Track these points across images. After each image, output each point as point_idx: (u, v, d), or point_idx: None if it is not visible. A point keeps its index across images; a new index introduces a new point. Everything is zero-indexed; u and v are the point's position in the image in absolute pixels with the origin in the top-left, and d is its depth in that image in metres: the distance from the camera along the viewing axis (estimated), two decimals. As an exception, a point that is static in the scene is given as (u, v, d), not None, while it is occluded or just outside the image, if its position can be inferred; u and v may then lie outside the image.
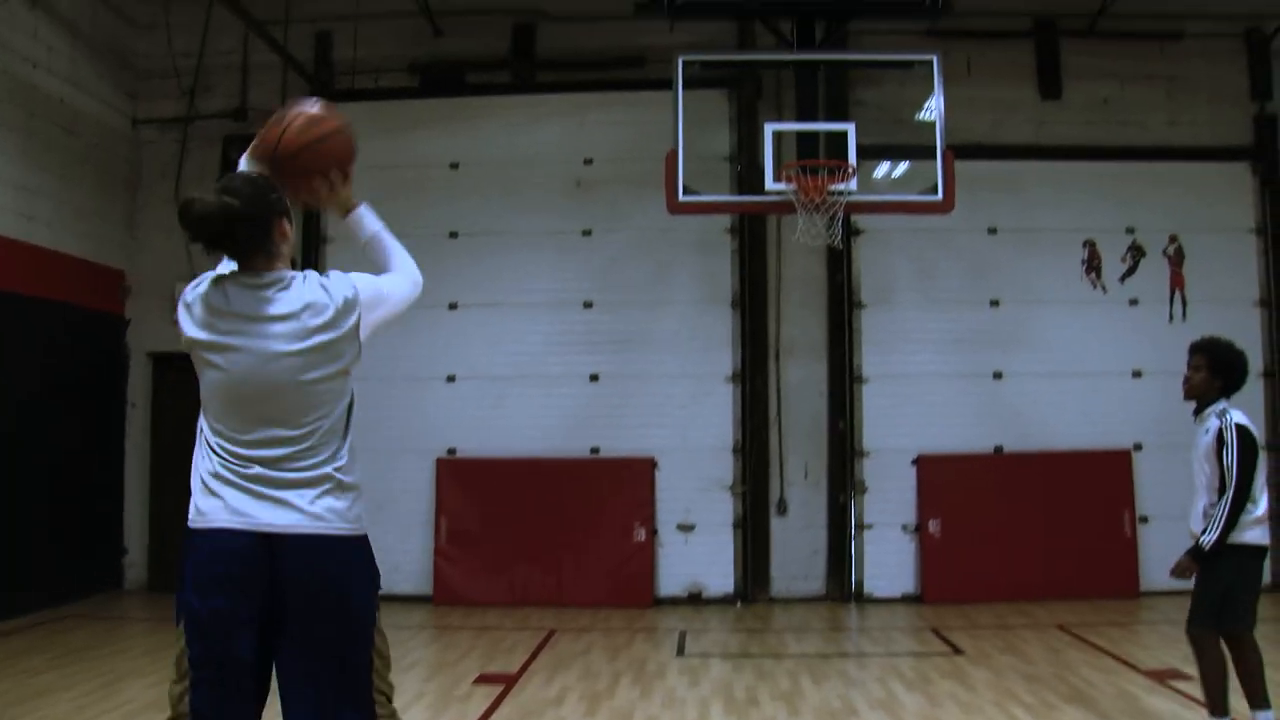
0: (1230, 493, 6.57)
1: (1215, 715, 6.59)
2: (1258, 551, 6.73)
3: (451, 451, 13.46)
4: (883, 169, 13.53)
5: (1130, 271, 13.73)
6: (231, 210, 3.76)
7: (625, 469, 13.33)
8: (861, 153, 10.86)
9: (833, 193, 10.43)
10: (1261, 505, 6.78)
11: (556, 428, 13.40)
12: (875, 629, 11.68)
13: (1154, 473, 13.35)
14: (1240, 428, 6.69)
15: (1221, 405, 6.86)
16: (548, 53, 14.08)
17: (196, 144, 14.08)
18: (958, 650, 10.30)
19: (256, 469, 3.78)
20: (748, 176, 13.09)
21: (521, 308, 13.60)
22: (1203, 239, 13.76)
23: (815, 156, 10.69)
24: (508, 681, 9.00)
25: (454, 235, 13.73)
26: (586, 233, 13.71)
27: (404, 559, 13.30)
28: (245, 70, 14.09)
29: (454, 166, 13.91)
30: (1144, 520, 13.35)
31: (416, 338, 13.45)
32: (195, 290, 3.90)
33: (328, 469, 3.89)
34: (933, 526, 13.20)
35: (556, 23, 14.04)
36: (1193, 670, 8.91)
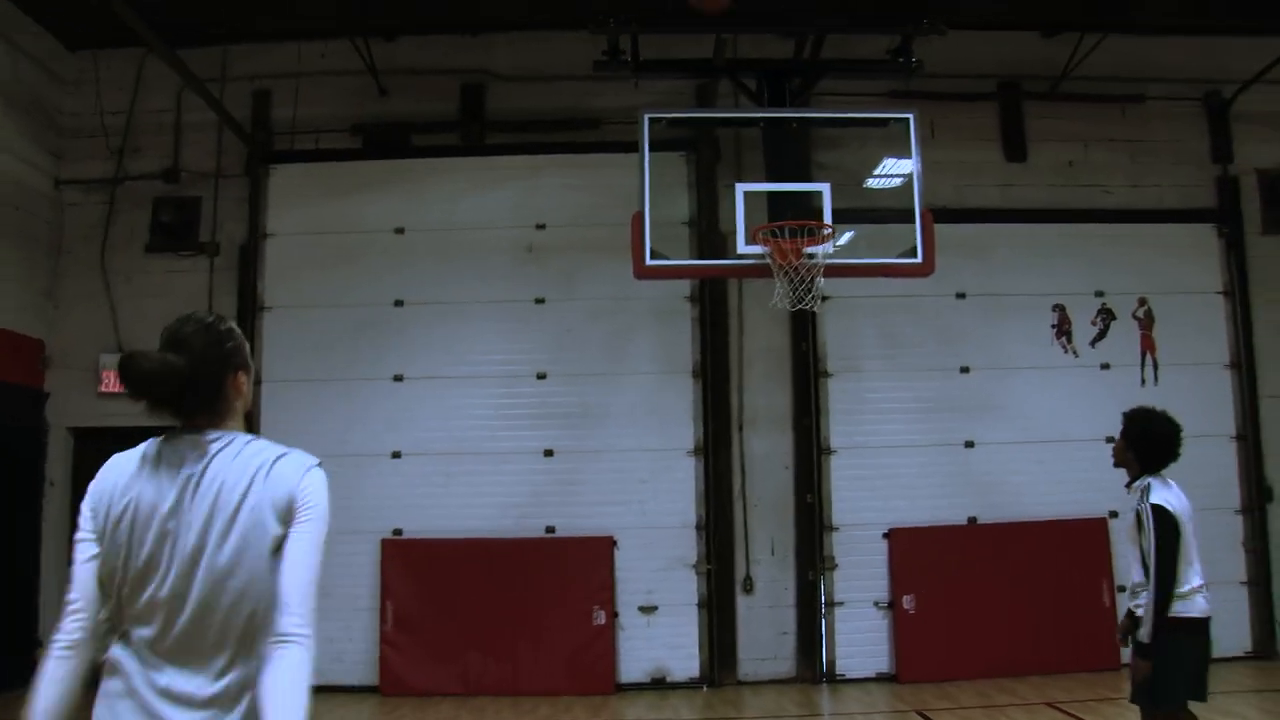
0: (1152, 581, 6.43)
1: None
2: (1187, 625, 6.51)
3: (397, 532, 12.75)
4: (849, 234, 13.06)
5: (1101, 335, 13.42)
6: (177, 370, 3.34)
7: (583, 548, 12.66)
8: (833, 216, 10.38)
9: (809, 255, 9.92)
10: (1190, 579, 6.61)
11: (509, 506, 12.73)
12: (857, 713, 11.11)
13: (1130, 541, 12.94)
14: (1156, 508, 6.49)
15: (1145, 481, 6.70)
16: (498, 113, 13.56)
17: (124, 206, 13.39)
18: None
19: None
20: (709, 241, 12.74)
21: (471, 380, 12.98)
22: (1172, 301, 13.50)
23: (785, 219, 10.18)
24: (478, 791, 8.28)
25: (399, 304, 13.14)
26: (539, 300, 13.14)
27: (347, 647, 12.55)
28: (178, 129, 13.46)
29: (399, 231, 13.32)
30: (1122, 589, 12.84)
31: (360, 412, 12.81)
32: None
33: None
34: (906, 602, 12.66)
35: (507, 82, 13.56)
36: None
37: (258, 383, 12.87)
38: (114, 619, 3.22)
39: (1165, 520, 6.51)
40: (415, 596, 12.52)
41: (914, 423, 13.11)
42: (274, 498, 3.29)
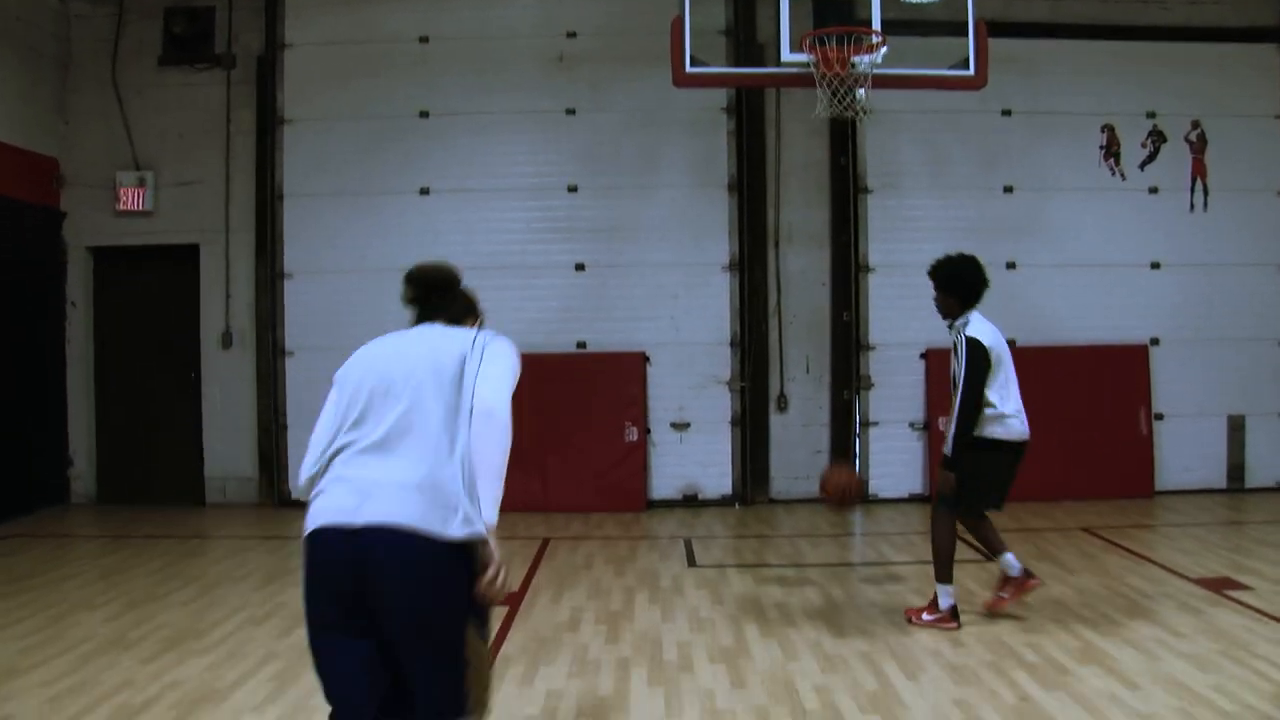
0: (956, 402, 7.28)
1: (940, 581, 7.36)
2: (1005, 446, 7.30)
3: (427, 348, 12.52)
4: (896, 45, 12.55)
5: (1150, 158, 12.95)
6: (447, 276, 4.71)
7: (614, 364, 12.47)
8: (881, 25, 9.87)
9: (854, 65, 9.46)
10: (1002, 404, 7.40)
11: (539, 321, 12.49)
12: (893, 534, 10.94)
13: (1171, 368, 12.84)
14: (970, 340, 7.30)
15: (964, 318, 7.53)
16: (528, -88, 12.92)
17: (133, 17, 12.89)
18: (988, 557, 9.57)
19: None
20: (746, 51, 12.25)
21: (499, 193, 12.62)
22: (1226, 125, 12.98)
23: (831, 26, 9.67)
24: (511, 601, 8.19)
25: (424, 115, 12.71)
26: (570, 112, 12.69)
27: (377, 464, 12.45)
28: (191, -68, 12.88)
29: (424, 40, 12.81)
30: (1159, 418, 12.77)
31: (385, 227, 12.51)
32: None
33: None
34: (942, 424, 12.40)
35: (536, -119, 12.90)
36: (1249, 580, 8.45)
37: (280, 198, 12.58)
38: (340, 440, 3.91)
39: (976, 351, 7.29)
40: (444, 412, 12.35)
41: (955, 242, 12.46)
42: (468, 347, 4.11)
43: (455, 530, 3.68)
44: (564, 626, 7.52)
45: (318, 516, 3.74)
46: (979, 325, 7.49)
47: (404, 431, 3.85)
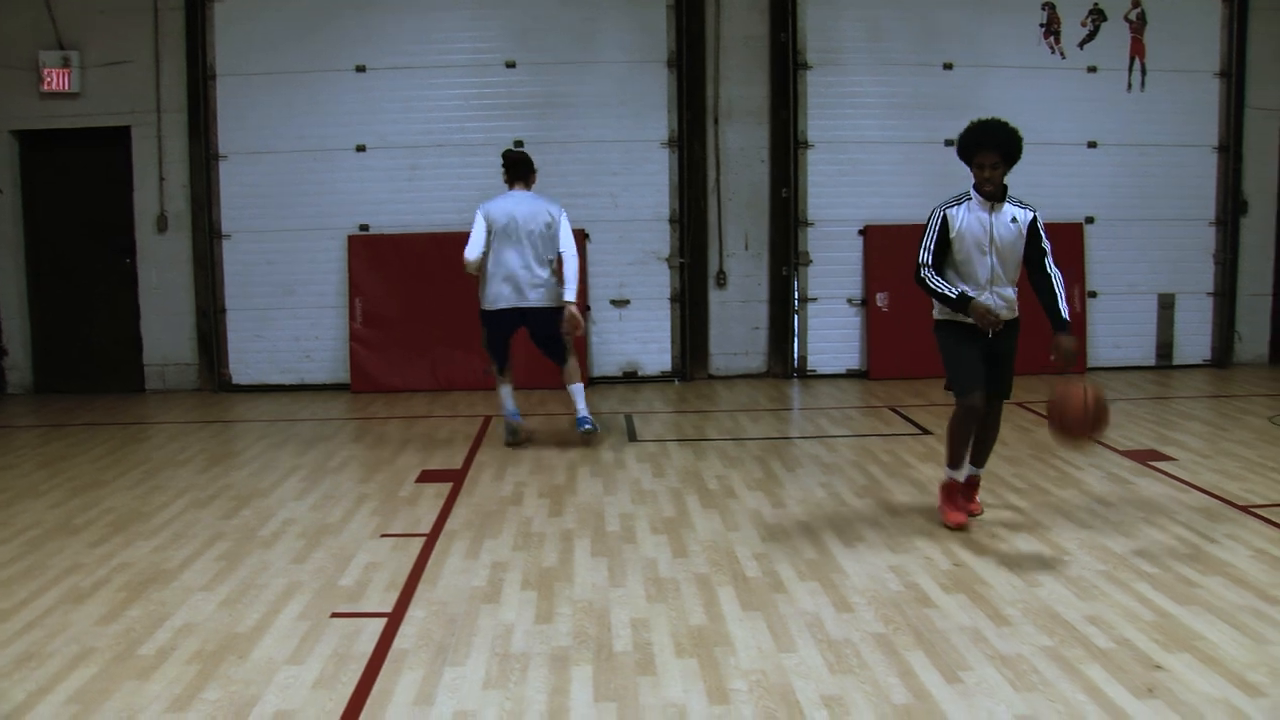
0: (1058, 276, 6.99)
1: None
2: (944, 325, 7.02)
3: (364, 228, 12.47)
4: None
5: (1090, 37, 12.97)
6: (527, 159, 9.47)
7: (554, 243, 12.41)
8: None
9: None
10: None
11: (478, 199, 12.20)
12: (830, 408, 11.09)
13: (1105, 247, 13.02)
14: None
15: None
16: None
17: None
18: (924, 430, 9.78)
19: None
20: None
21: (437, 70, 12.46)
22: (1165, 4, 12.98)
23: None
24: (454, 478, 8.26)
25: (359, -10, 12.43)
26: (507, -14, 12.49)
27: (316, 346, 12.54)
28: None
29: (355, -83, 12.50)
30: (1093, 295, 12.96)
31: (321, 105, 12.34)
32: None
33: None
34: (880, 300, 12.60)
35: None
36: (1173, 452, 8.69)
37: (212, 77, 12.33)
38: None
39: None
40: (384, 293, 12.35)
41: (894, 118, 12.76)
42: (556, 213, 9.11)
43: (556, 302, 9.02)
44: (508, 501, 7.60)
45: (498, 301, 9.12)
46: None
47: (532, 253, 9.01)
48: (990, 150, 6.54)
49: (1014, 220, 6.72)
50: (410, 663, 4.86)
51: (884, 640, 5.03)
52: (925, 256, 6.88)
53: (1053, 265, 6.83)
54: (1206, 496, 7.37)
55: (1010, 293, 6.83)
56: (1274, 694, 4.42)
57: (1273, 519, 6.84)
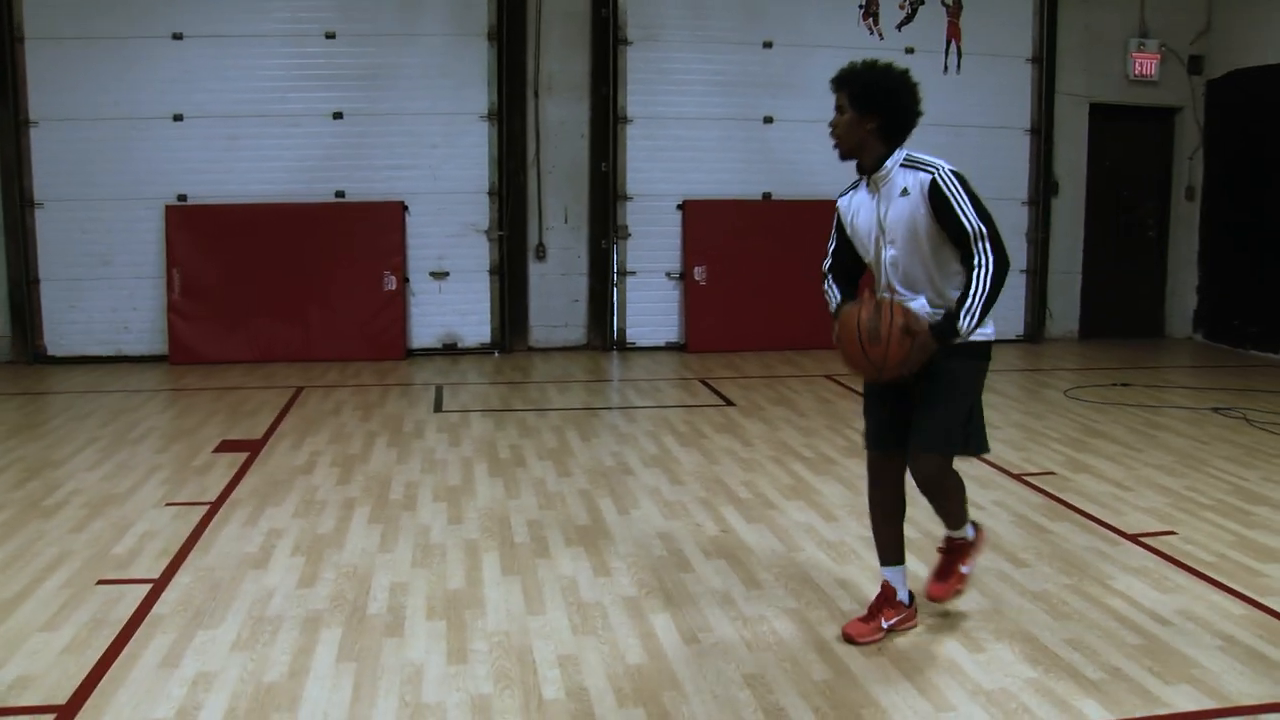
0: (982, 260, 4.50)
1: (955, 528, 5.10)
2: (987, 350, 4.94)
3: (182, 198, 12.31)
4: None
5: (908, 19, 13.31)
6: None
7: (373, 213, 12.44)
8: None
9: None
10: None
11: (297, 170, 12.36)
12: (641, 380, 11.28)
13: (918, 221, 13.21)
14: (955, 172, 4.60)
15: (904, 153, 4.72)
16: None
17: None
18: (729, 402, 10.00)
19: None
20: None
21: (255, 39, 12.31)
22: (981, -9, 13.39)
23: None
24: (252, 448, 8.25)
25: (175, -45, 12.23)
26: (327, -46, 12.40)
27: (134, 317, 12.34)
28: None
29: (168, -125, 12.29)
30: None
31: (136, 73, 12.12)
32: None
33: None
34: (698, 274, 12.81)
35: None
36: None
37: (19, 40, 12.05)
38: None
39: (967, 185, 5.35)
40: (203, 264, 12.22)
41: (713, 95, 12.96)
42: None
43: None
44: (299, 470, 7.63)
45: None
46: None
47: None
48: (834, 90, 4.83)
49: (904, 192, 4.61)
50: (165, 627, 4.91)
51: (633, 603, 5.20)
52: (826, 261, 5.24)
53: (984, 247, 4.46)
54: (986, 465, 7.66)
55: (919, 302, 4.66)
56: (994, 650, 4.67)
57: (1041, 486, 7.17)
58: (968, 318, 4.47)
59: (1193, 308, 14.20)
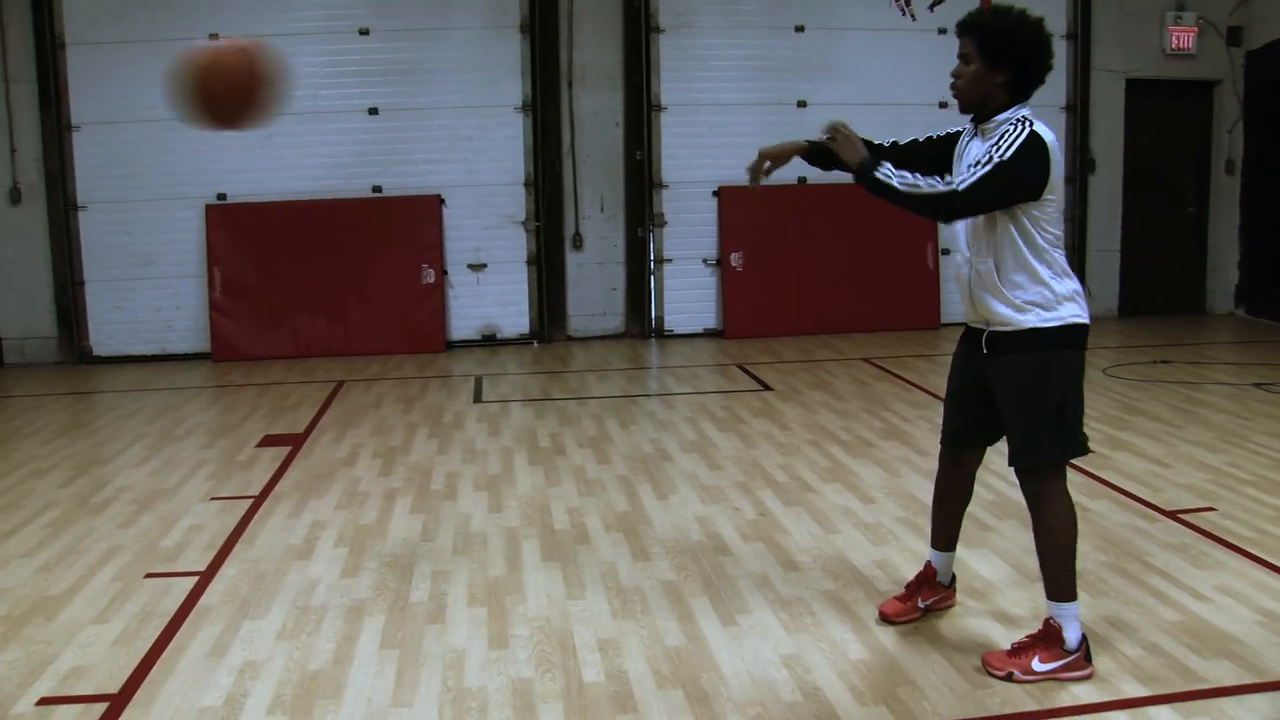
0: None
1: (1059, 599, 4.33)
2: (1078, 334, 4.35)
3: (221, 197, 12.44)
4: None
5: (940, 0, 13.21)
6: None
7: (410, 207, 12.53)
8: None
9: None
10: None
11: (334, 166, 12.47)
12: (679, 367, 11.32)
13: (955, 204, 13.17)
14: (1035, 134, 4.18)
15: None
16: None
17: None
18: (767, 387, 10.03)
19: None
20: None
21: (291, 37, 12.30)
22: (1010, -35, 13.25)
23: None
24: (294, 442, 8.35)
25: (209, -45, 12.33)
26: (360, -49, 12.48)
27: (177, 316, 12.49)
28: None
29: (203, -124, 12.41)
30: (945, 252, 13.21)
31: (171, 74, 12.19)
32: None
33: None
34: (734, 260, 12.84)
35: None
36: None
37: (61, 46, 12.20)
38: None
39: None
40: (243, 262, 12.35)
41: (746, 81, 12.97)
42: None
43: None
44: (341, 463, 7.72)
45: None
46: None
47: None
48: (959, 36, 4.41)
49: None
50: (212, 618, 5.00)
51: (672, 587, 5.26)
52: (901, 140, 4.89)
53: (965, 179, 4.14)
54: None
55: (986, 265, 4.31)
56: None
57: (1080, 465, 7.08)
58: (880, 173, 4.27)
59: (1234, 283, 14.11)
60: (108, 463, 7.96)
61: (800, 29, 12.99)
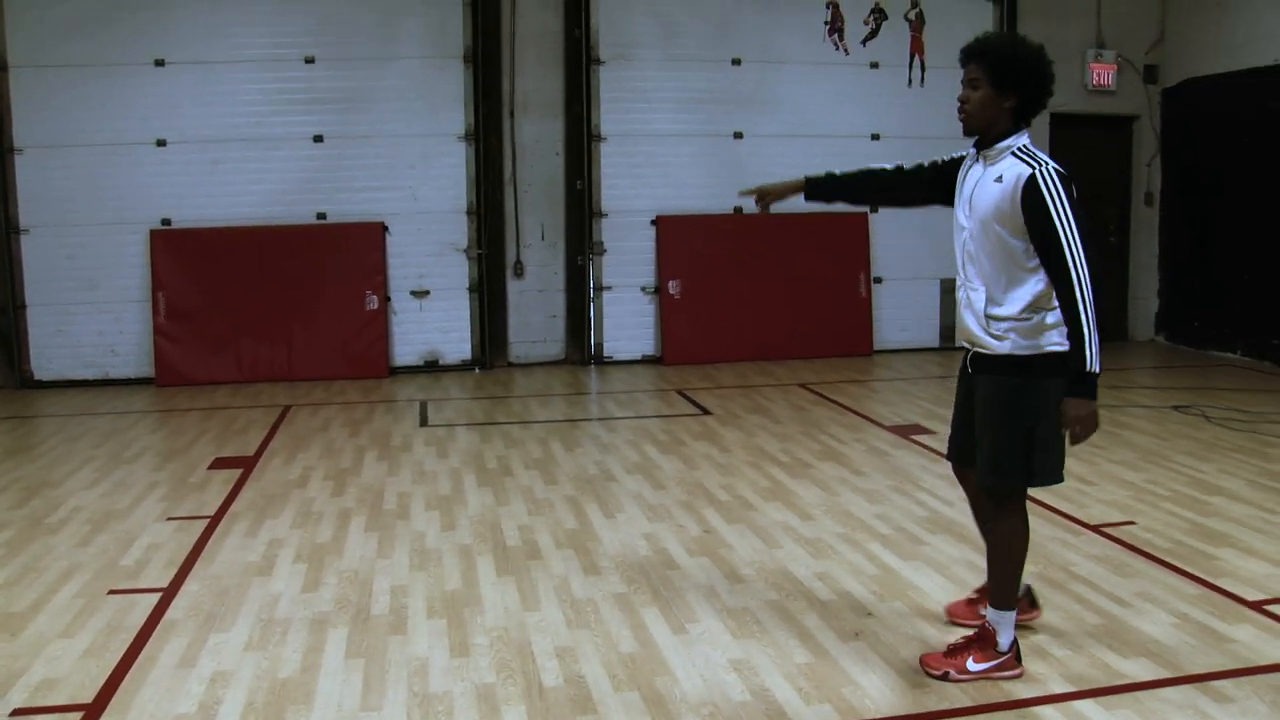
0: (1076, 277, 4.15)
1: (1000, 606, 4.60)
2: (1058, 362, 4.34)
3: (166, 222, 12.52)
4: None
5: (872, 34, 13.67)
6: None
7: (354, 234, 12.67)
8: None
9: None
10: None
11: (279, 193, 12.60)
12: (619, 392, 11.55)
13: (888, 235, 13.65)
14: (1061, 175, 4.27)
15: (1022, 138, 4.43)
16: None
17: None
18: (705, 411, 10.29)
19: None
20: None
21: (237, 65, 12.54)
22: (942, 5, 13.84)
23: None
24: (245, 464, 8.49)
25: (156, -17, 12.44)
26: (305, -19, 12.64)
27: (120, 340, 12.52)
28: None
29: (152, -96, 12.53)
30: (878, 281, 13.59)
31: (120, 99, 12.33)
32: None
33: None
34: (672, 287, 13.10)
35: None
36: (934, 425, 9.30)
37: (3, 69, 12.25)
38: None
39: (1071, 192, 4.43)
40: (187, 287, 12.42)
41: (684, 112, 13.26)
42: None
43: None
44: (293, 484, 7.88)
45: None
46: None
47: None
48: (965, 61, 4.51)
49: (999, 179, 4.33)
50: (178, 631, 5.16)
51: (623, 599, 5.49)
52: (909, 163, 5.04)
53: (1076, 263, 4.13)
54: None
55: (979, 297, 4.44)
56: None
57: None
58: (1090, 353, 4.09)
59: (1155, 310, 14.58)
60: (58, 484, 8.04)
61: (737, 62, 13.31)
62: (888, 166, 5.02)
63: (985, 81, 4.39)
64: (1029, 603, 5.02)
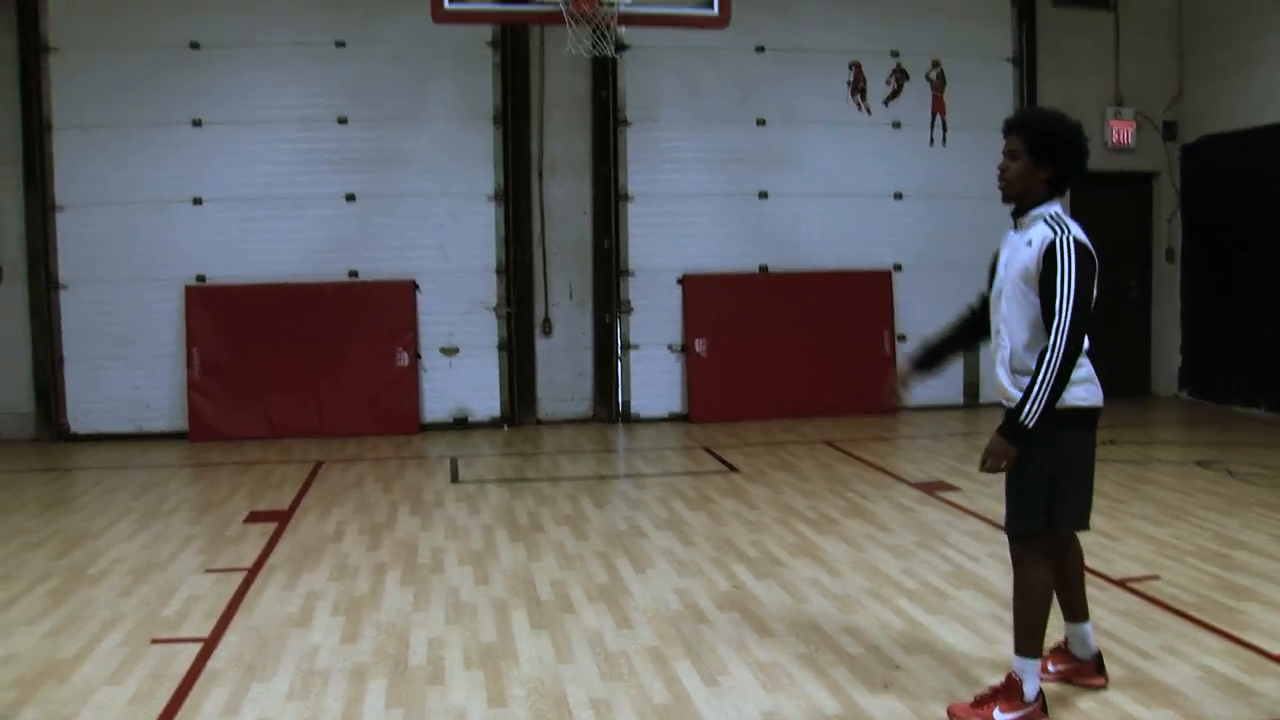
0: (1057, 329, 4.44)
1: (1025, 654, 4.71)
2: (1082, 417, 4.69)
3: (200, 279, 12.75)
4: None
5: (894, 94, 13.85)
6: None
7: (385, 292, 12.89)
8: (630, -35, 10.44)
9: (604, 3, 10.07)
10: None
11: (311, 251, 12.82)
12: (647, 449, 11.69)
13: (912, 293, 13.75)
14: (1079, 244, 4.51)
15: (1053, 207, 4.70)
16: None
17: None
18: (733, 468, 10.41)
19: None
20: (509, -14, 12.61)
21: (270, 124, 12.81)
22: (963, 65, 13.96)
23: (583, -34, 10.22)
24: (280, 518, 8.64)
25: (195, 46, 12.71)
26: (339, 44, 12.88)
27: (154, 395, 12.71)
28: None
29: (193, -30, 12.85)
30: (902, 339, 13.68)
31: (157, 158, 12.61)
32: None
33: None
34: (699, 346, 13.24)
35: None
36: (959, 482, 9.39)
37: (48, 129, 12.53)
38: None
39: (1088, 260, 4.58)
40: (220, 343, 12.63)
41: (710, 172, 13.46)
42: None
43: None
44: (329, 538, 8.02)
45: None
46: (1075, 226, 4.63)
47: None
48: (1007, 133, 4.82)
49: (1029, 243, 4.62)
50: (221, 680, 5.29)
51: (655, 652, 5.61)
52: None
53: (1061, 327, 4.41)
54: (980, 521, 8.09)
55: (1008, 354, 4.74)
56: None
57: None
58: (1031, 408, 4.41)
59: (1177, 366, 14.65)
60: (98, 536, 8.21)
61: (762, 123, 13.52)
62: (964, 311, 5.42)
63: (1024, 153, 4.69)
64: (1095, 668, 5.10)
